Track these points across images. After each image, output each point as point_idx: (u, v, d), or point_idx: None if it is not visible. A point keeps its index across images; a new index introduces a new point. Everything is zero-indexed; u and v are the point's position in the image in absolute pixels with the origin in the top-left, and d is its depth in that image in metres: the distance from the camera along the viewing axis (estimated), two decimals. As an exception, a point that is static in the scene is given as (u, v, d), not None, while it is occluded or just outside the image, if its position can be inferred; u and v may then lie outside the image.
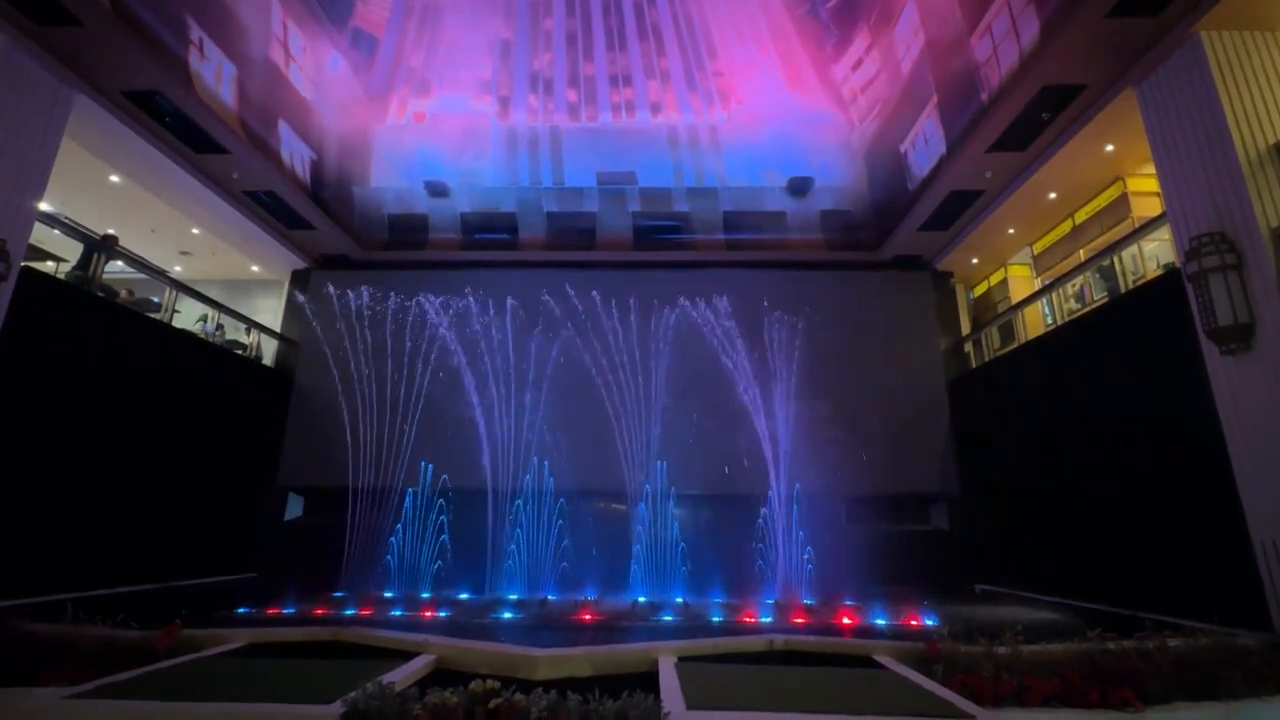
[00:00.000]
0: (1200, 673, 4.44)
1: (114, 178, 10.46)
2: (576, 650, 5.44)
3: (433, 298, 12.93)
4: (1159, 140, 7.74)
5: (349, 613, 7.64)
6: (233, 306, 12.81)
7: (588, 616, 7.99)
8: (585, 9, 15.96)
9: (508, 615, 8.04)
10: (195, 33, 8.93)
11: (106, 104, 8.71)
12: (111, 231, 10.69)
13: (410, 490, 10.27)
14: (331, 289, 13.67)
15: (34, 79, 7.64)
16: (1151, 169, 8.35)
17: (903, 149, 12.14)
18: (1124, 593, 7.99)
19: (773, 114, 14.58)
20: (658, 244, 14.23)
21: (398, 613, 7.88)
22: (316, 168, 12.37)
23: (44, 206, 8.29)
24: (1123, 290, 9.11)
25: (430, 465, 10.52)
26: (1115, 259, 9.32)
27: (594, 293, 12.99)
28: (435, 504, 10.30)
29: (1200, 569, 7.09)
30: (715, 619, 7.88)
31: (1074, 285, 10.59)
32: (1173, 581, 7.41)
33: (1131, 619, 6.61)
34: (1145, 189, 9.94)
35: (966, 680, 4.43)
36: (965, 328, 13.86)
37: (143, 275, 11.22)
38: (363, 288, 13.46)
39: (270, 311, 14.20)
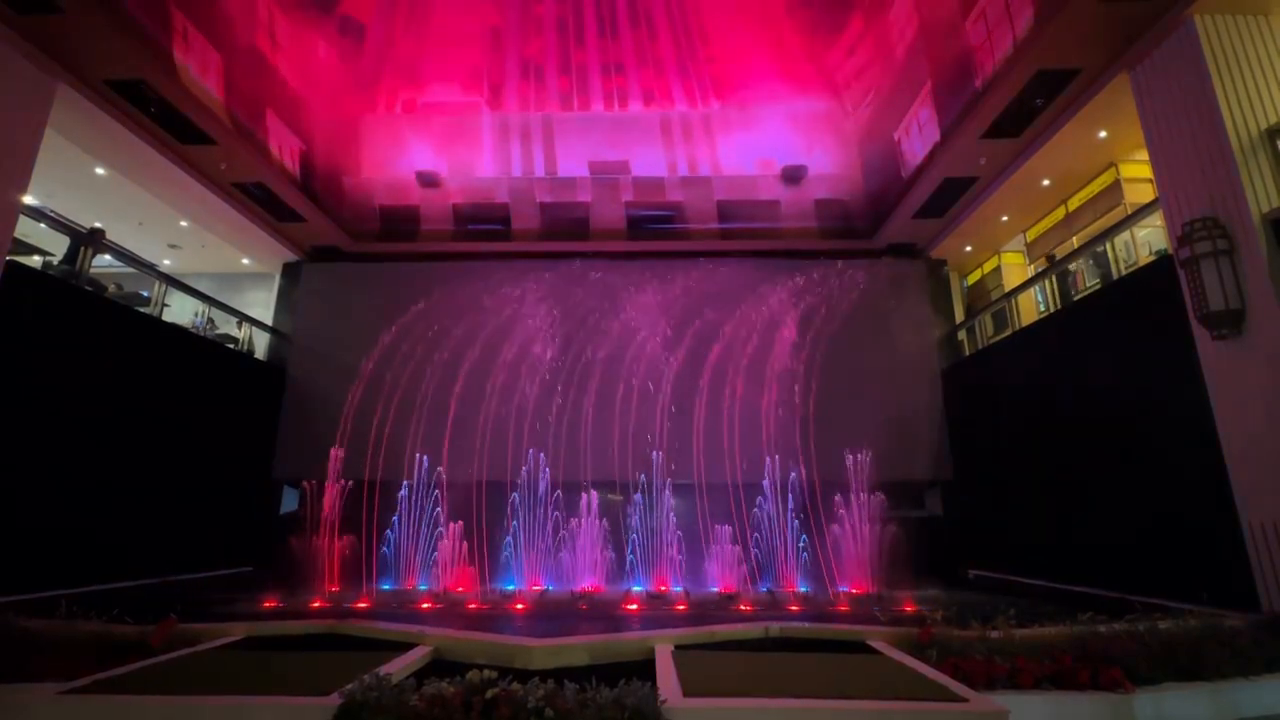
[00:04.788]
0: (1189, 653, 4.50)
1: (100, 170, 10.31)
2: (573, 639, 5.47)
3: (425, 289, 12.85)
4: (1152, 126, 7.74)
5: (345, 605, 7.65)
6: (224, 300, 12.70)
7: (584, 606, 8.03)
8: (576, -6, 15.74)
9: (504, 605, 8.07)
10: (178, 20, 8.77)
11: (90, 94, 8.57)
12: (98, 225, 10.56)
13: (406, 483, 10.24)
14: (323, 281, 13.59)
15: (14, 68, 7.50)
16: (1145, 155, 8.36)
17: (896, 136, 12.09)
18: (1115, 576, 8.08)
19: (766, 101, 14.48)
20: (651, 234, 14.17)
21: (394, 605, 7.90)
22: (306, 158, 12.23)
23: (29, 199, 8.17)
24: (1115, 276, 9.14)
25: (426, 457, 10.49)
26: (1108, 245, 9.34)
27: (588, 284, 12.96)
28: (431, 496, 10.29)
29: (1191, 551, 7.17)
30: (712, 607, 7.93)
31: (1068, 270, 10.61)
32: (1163, 564, 7.50)
33: (1122, 602, 6.70)
34: (1138, 175, 9.95)
35: (959, 664, 4.48)
36: (959, 315, 13.89)
37: (131, 269, 11.10)
38: (354, 279, 13.39)
39: (262, 305, 14.09)
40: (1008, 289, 12.50)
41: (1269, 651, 4.68)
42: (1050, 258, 11.47)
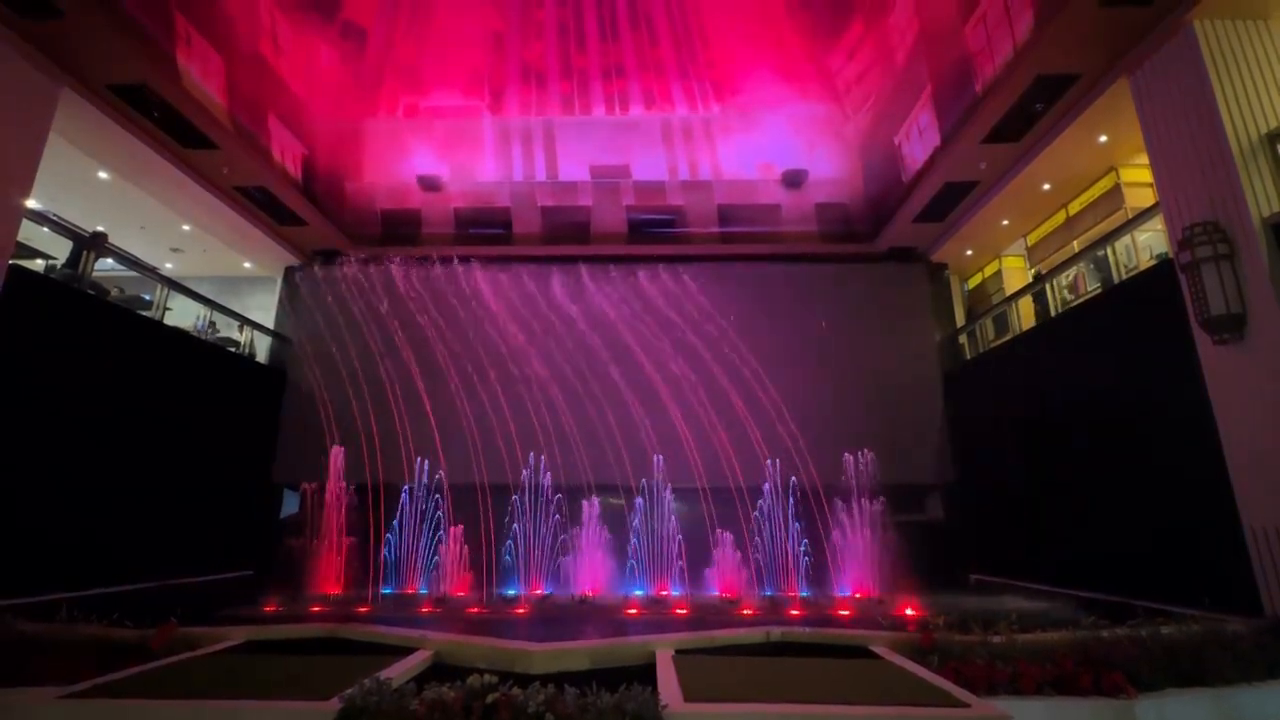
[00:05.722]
0: (1191, 658, 4.49)
1: (102, 174, 10.34)
2: (574, 644, 5.45)
3: (426, 293, 12.88)
4: (1152, 130, 7.76)
5: (346, 609, 7.64)
6: (225, 303, 12.72)
7: (586, 610, 8.02)
8: (577, -1, 15.78)
9: (505, 609, 8.06)
10: (181, 24, 8.82)
11: (93, 98, 8.60)
12: (101, 229, 10.59)
13: (406, 486, 10.24)
14: (324, 285, 13.60)
15: (17, 73, 7.54)
16: (1145, 159, 8.36)
17: (897, 140, 12.12)
18: (1117, 580, 8.06)
19: (767, 105, 14.52)
20: (652, 237, 14.19)
21: (394, 609, 7.88)
22: (308, 162, 12.26)
23: (31, 204, 8.19)
24: (1116, 281, 9.14)
25: (426, 460, 10.48)
26: (1109, 250, 9.35)
27: (589, 288, 12.98)
28: (431, 500, 10.28)
29: (1192, 555, 7.15)
30: (713, 611, 7.91)
31: (1068, 276, 10.62)
32: (1165, 568, 7.48)
33: (1124, 606, 6.68)
34: (1139, 179, 9.96)
35: (961, 669, 4.46)
36: (960, 319, 13.89)
37: (133, 273, 11.12)
38: (355, 283, 13.40)
39: (263, 309, 14.11)
40: (1009, 293, 12.51)
41: (1271, 656, 4.67)
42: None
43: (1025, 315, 11.71)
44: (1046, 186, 10.83)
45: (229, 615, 6.86)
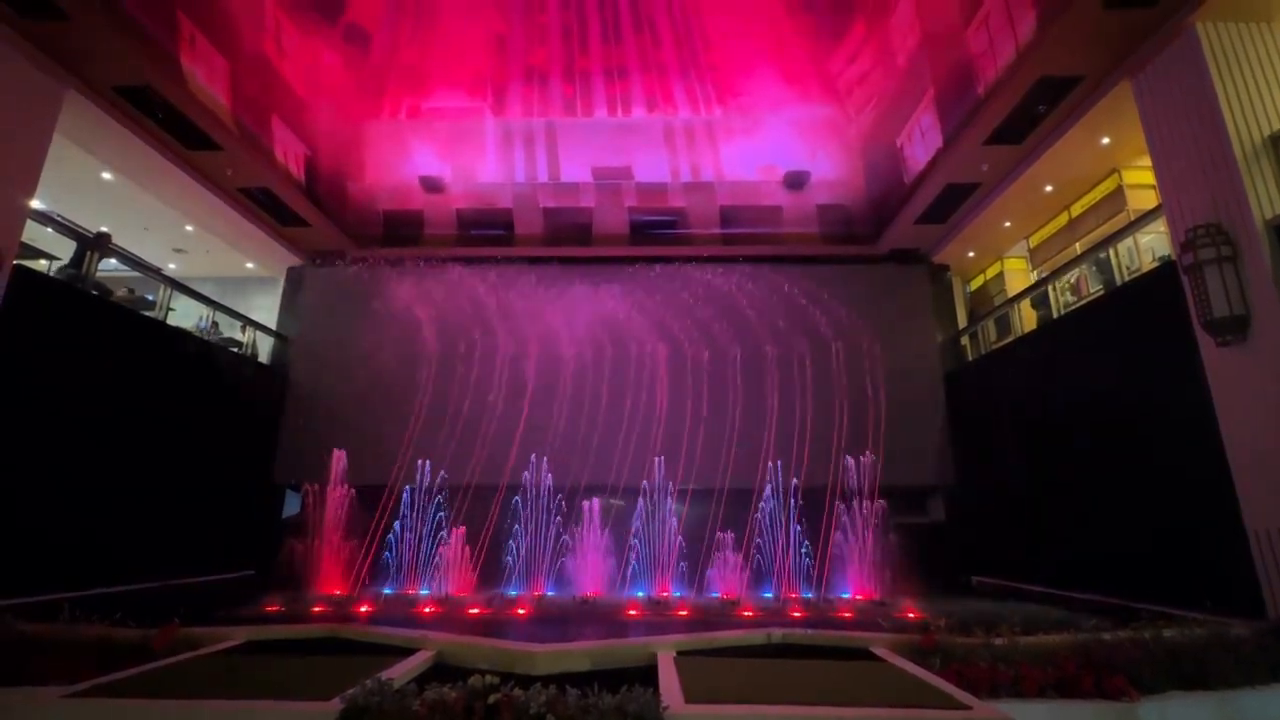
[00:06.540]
0: (1194, 661, 4.47)
1: (106, 175, 10.39)
2: (575, 645, 5.45)
3: (428, 294, 12.89)
4: (1155, 132, 7.75)
5: (347, 609, 7.64)
6: (228, 304, 12.74)
7: (587, 611, 8.02)
8: (580, 1, 15.82)
9: (507, 610, 8.06)
10: (185, 26, 8.86)
11: (97, 100, 8.65)
12: (104, 229, 10.62)
13: (408, 487, 10.25)
14: (326, 286, 13.62)
15: (23, 75, 7.58)
16: (1147, 161, 8.35)
17: (899, 142, 12.11)
18: (1120, 583, 8.04)
19: (769, 107, 14.53)
20: (654, 239, 14.20)
21: (396, 609, 7.89)
22: (310, 163, 12.29)
23: (36, 204, 8.23)
24: (1118, 283, 9.13)
25: (428, 461, 10.50)
26: (1111, 251, 9.34)
27: (590, 289, 12.99)
28: (434, 500, 10.29)
29: (1194, 557, 7.13)
30: (714, 613, 7.90)
31: (1070, 278, 10.60)
32: (1168, 571, 7.46)
33: (1126, 609, 6.66)
34: (1141, 181, 9.95)
35: (963, 670, 4.45)
36: (962, 321, 13.88)
37: (136, 273, 11.16)
38: (358, 284, 13.42)
39: (266, 309, 14.14)
40: (1010, 295, 12.49)
41: (1274, 658, 4.65)
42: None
43: (1027, 317, 11.69)
44: (1049, 188, 10.82)
45: (230, 615, 6.87)
